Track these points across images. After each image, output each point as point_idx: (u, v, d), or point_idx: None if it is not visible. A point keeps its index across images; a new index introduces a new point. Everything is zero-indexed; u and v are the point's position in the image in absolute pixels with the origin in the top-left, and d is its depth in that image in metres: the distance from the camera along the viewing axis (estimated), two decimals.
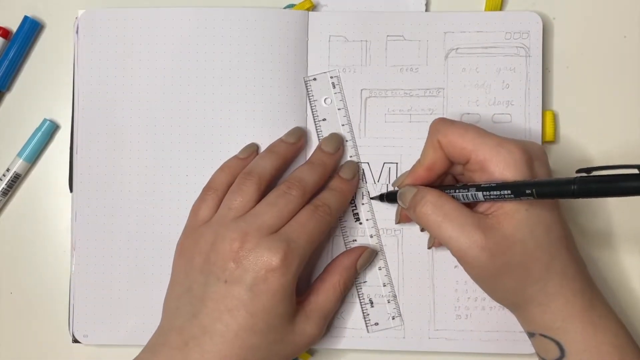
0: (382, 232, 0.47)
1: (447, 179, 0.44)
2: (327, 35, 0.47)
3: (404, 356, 0.47)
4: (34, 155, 0.48)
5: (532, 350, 0.43)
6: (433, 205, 0.40)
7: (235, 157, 0.46)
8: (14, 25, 0.49)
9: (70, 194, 0.47)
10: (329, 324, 0.46)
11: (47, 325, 0.48)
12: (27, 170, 0.49)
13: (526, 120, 0.46)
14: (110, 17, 0.47)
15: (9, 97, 0.49)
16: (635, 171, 0.33)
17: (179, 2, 0.48)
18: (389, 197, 0.46)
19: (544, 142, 0.47)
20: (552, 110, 0.48)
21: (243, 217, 0.42)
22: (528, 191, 0.37)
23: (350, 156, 0.47)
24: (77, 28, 0.47)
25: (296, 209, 0.42)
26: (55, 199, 0.49)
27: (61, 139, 0.49)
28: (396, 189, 0.45)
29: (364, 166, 0.47)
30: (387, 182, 0.47)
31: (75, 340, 0.47)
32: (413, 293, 0.46)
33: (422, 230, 0.46)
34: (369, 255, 0.46)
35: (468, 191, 0.40)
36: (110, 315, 0.47)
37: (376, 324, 0.47)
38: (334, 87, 0.47)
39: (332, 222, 0.44)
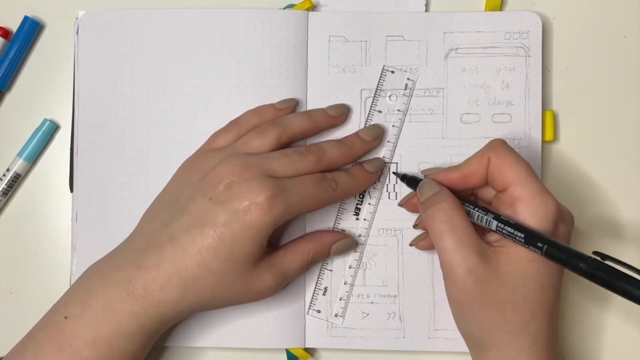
0: (382, 232, 0.47)
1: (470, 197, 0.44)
2: (327, 35, 0.47)
3: (404, 356, 0.47)
4: (34, 155, 0.48)
5: None
6: (445, 213, 0.40)
7: (272, 105, 0.46)
8: (14, 25, 0.49)
9: (71, 194, 0.47)
10: (328, 322, 0.46)
11: None
12: (27, 170, 0.49)
13: (526, 120, 0.46)
14: (110, 18, 0.47)
15: (9, 97, 0.49)
16: None
17: (179, 3, 0.48)
18: (409, 181, 0.45)
19: (544, 142, 0.47)
20: (552, 110, 0.48)
21: (253, 155, 0.42)
22: (539, 244, 0.37)
23: (384, 157, 0.47)
24: (77, 29, 0.47)
25: (305, 171, 0.42)
26: (55, 199, 0.49)
27: (61, 139, 0.49)
28: (422, 177, 0.44)
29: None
30: (387, 182, 0.47)
31: None
32: (413, 293, 0.46)
33: (416, 226, 0.46)
34: (348, 244, 0.46)
35: (486, 214, 0.40)
36: None
37: (318, 311, 0.47)
38: (405, 88, 0.47)
39: (332, 200, 0.43)
